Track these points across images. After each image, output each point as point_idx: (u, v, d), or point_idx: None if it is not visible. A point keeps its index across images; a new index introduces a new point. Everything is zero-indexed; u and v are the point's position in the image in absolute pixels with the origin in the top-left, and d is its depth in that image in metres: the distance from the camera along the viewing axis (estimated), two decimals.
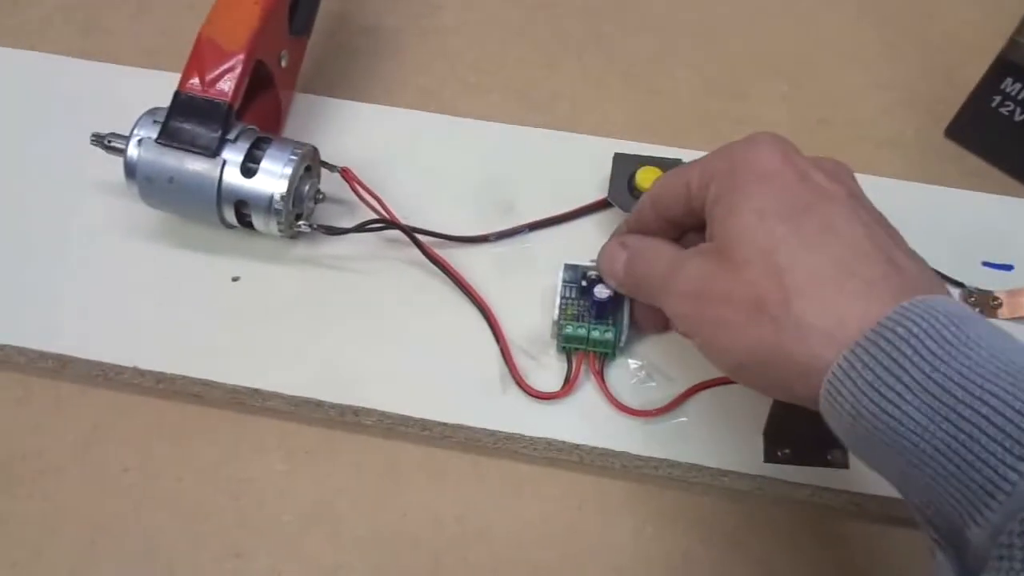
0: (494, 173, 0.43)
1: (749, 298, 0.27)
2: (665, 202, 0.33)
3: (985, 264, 0.40)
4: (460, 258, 0.40)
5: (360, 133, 0.45)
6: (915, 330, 0.24)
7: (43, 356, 0.37)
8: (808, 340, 0.26)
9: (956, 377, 0.23)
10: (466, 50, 0.50)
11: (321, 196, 0.39)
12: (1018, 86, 0.42)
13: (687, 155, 0.42)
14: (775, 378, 0.27)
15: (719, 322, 0.28)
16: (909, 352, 0.23)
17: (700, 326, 0.29)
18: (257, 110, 0.42)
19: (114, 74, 0.47)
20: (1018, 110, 0.43)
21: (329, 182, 0.41)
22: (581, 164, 0.43)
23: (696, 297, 0.29)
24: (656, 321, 0.37)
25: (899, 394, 0.23)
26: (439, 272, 0.39)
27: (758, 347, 0.27)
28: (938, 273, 0.39)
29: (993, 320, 0.38)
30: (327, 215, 0.41)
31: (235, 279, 0.39)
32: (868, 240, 0.27)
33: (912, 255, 0.28)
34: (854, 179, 0.30)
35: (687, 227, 0.34)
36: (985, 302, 0.39)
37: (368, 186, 0.40)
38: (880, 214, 0.29)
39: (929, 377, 0.23)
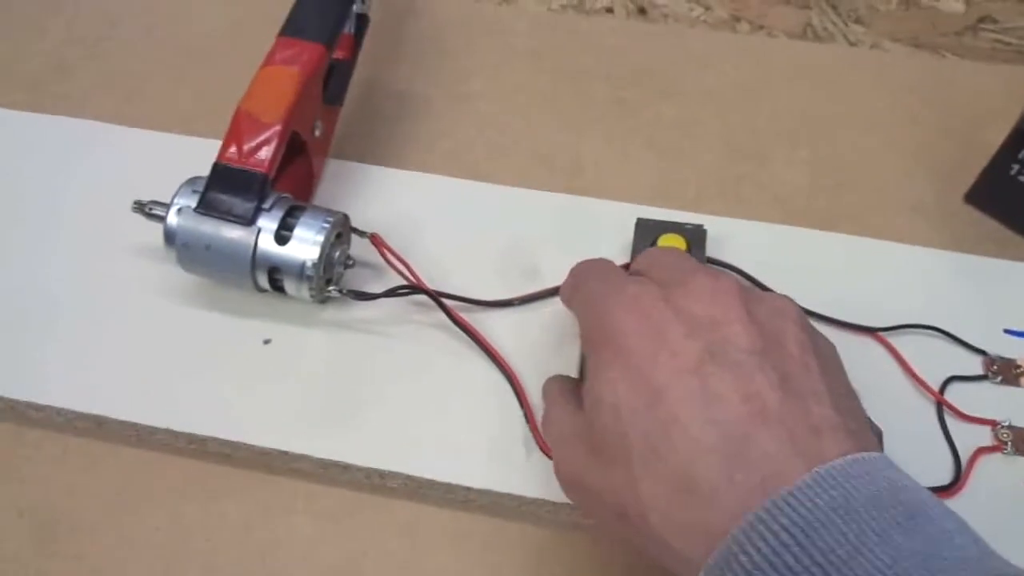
0: (519, 238, 0.44)
1: (614, 505, 0.27)
2: None
3: (1007, 332, 0.40)
4: (485, 322, 0.41)
5: (389, 198, 0.46)
6: (758, 559, 0.22)
7: (81, 416, 0.38)
8: (669, 555, 0.25)
9: None
10: (493, 116, 0.52)
11: (352, 262, 0.40)
12: None
13: (709, 220, 0.43)
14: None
15: (598, 516, 0.29)
16: None
17: (585, 514, 0.32)
18: (290, 177, 0.43)
19: (152, 140, 0.49)
20: None
21: (358, 247, 0.42)
22: (605, 229, 0.44)
23: (574, 489, 0.30)
24: None
25: None
26: (465, 336, 0.39)
27: (635, 544, 0.27)
28: (961, 341, 0.39)
29: (1016, 388, 0.38)
30: (357, 280, 0.42)
31: (266, 342, 0.40)
32: (713, 430, 0.24)
33: (784, 412, 0.25)
34: (738, 303, 0.28)
35: None
36: (1008, 370, 0.39)
37: (396, 251, 0.41)
38: (782, 359, 0.26)
39: None
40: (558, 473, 0.30)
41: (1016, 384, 0.38)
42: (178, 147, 0.48)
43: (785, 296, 0.30)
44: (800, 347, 0.27)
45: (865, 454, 0.24)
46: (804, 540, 0.21)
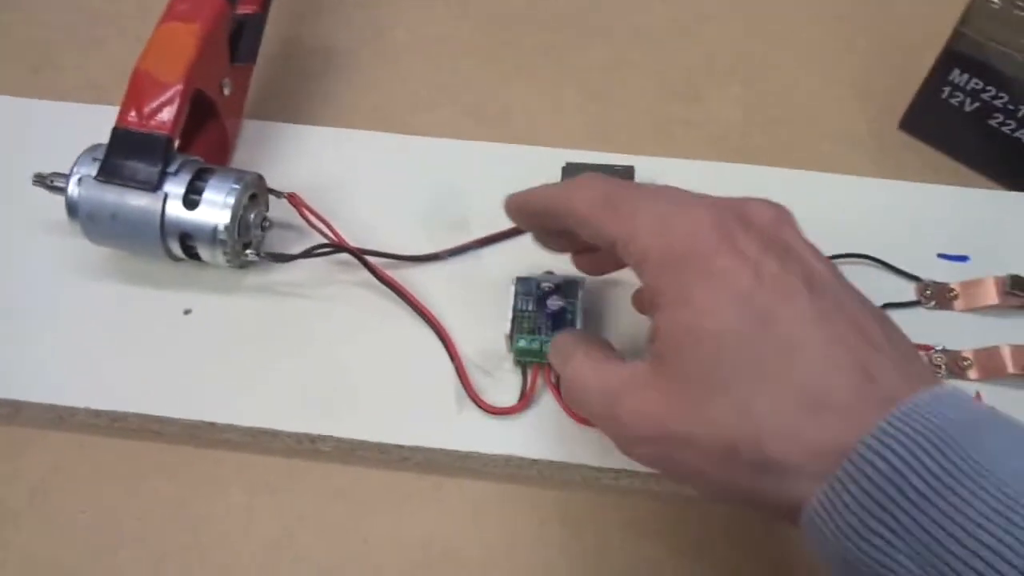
0: (446, 190, 0.43)
1: (717, 444, 0.24)
2: (555, 223, 0.31)
3: (941, 256, 0.40)
4: (413, 277, 0.39)
5: (312, 157, 0.44)
6: (897, 463, 0.21)
7: None
8: (787, 481, 0.23)
9: (945, 523, 0.20)
10: (418, 68, 0.50)
11: (268, 224, 0.39)
12: (966, 77, 0.42)
13: (641, 162, 0.42)
14: (759, 510, 0.25)
15: (685, 469, 0.25)
16: (892, 491, 0.21)
17: (663, 469, 0.26)
18: (203, 141, 0.41)
19: (60, 111, 0.47)
20: (968, 100, 0.43)
21: (280, 210, 0.40)
22: (534, 176, 0.42)
23: (651, 442, 0.26)
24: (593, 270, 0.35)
25: (887, 541, 0.21)
26: (392, 293, 0.38)
27: (735, 490, 0.25)
28: (894, 268, 0.39)
29: (949, 312, 0.38)
30: (279, 242, 0.41)
31: (187, 312, 0.39)
32: (837, 348, 0.24)
33: (891, 344, 0.24)
34: (798, 231, 0.27)
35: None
36: (941, 294, 0.38)
37: (317, 210, 0.39)
38: (843, 289, 0.26)
39: (916, 522, 0.21)
40: (623, 432, 0.27)
41: (949, 308, 0.38)
42: (89, 117, 0.45)
43: None
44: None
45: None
46: (941, 444, 0.21)
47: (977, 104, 0.43)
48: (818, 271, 0.26)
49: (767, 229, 0.26)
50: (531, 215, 0.33)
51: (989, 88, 0.41)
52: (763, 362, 0.24)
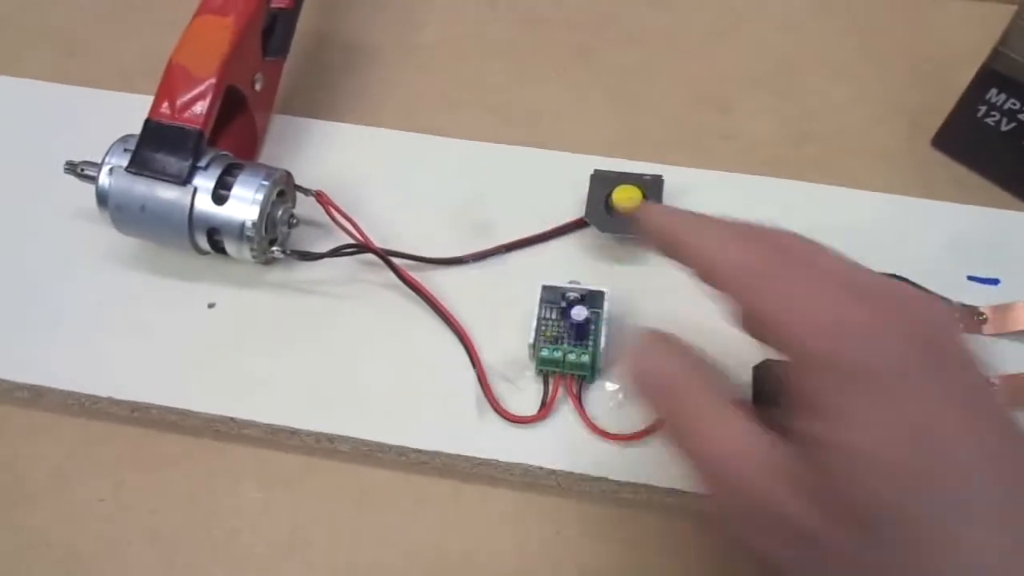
0: (473, 192, 0.43)
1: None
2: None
3: (971, 278, 0.39)
4: (437, 280, 0.39)
5: (339, 154, 0.44)
6: None
7: (17, 387, 0.37)
8: None
9: None
10: (447, 67, 0.50)
11: (295, 221, 0.39)
12: (1003, 96, 0.41)
13: (669, 171, 0.42)
14: None
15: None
16: None
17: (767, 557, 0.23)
18: (232, 134, 0.41)
19: (92, 98, 0.47)
20: (1004, 120, 0.42)
21: (306, 206, 0.40)
22: (561, 182, 0.42)
23: (783, 544, 0.23)
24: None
25: None
26: (415, 296, 0.38)
27: None
28: (923, 289, 0.38)
29: (978, 336, 0.38)
30: (304, 239, 0.41)
31: (211, 306, 0.39)
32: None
33: None
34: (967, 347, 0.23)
35: None
36: (970, 317, 0.38)
37: (343, 209, 0.39)
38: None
39: None
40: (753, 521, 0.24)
41: (978, 332, 0.38)
42: (119, 105, 0.46)
43: None
44: None
45: None
46: None
47: (1013, 124, 0.42)
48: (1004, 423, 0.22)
49: (952, 356, 0.23)
50: (666, 245, 0.28)
51: None
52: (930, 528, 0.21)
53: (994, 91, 0.42)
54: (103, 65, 0.50)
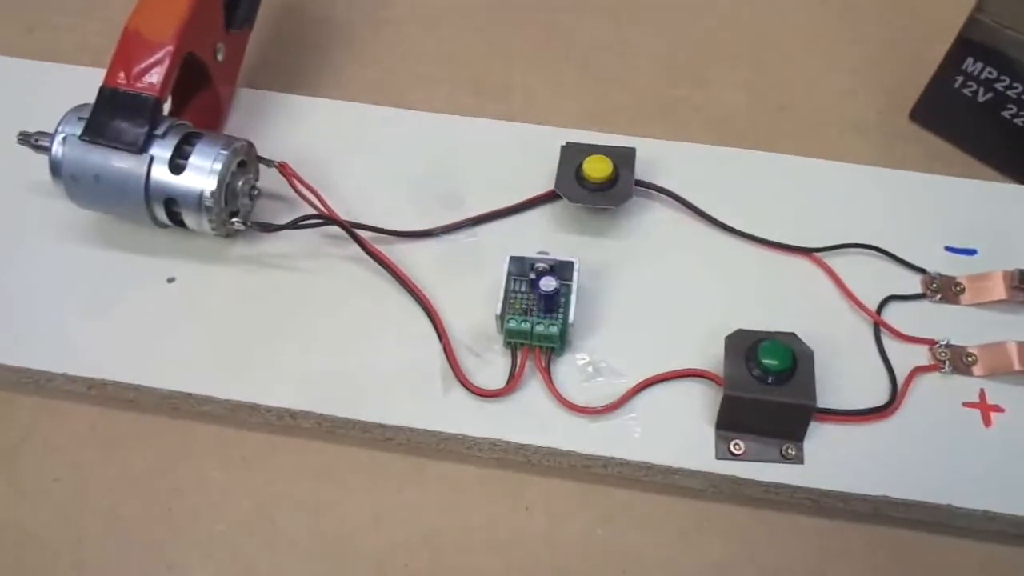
0: (442, 166, 0.42)
1: None
2: None
3: (948, 249, 0.39)
4: (405, 253, 0.38)
5: (307, 128, 0.43)
6: None
7: None
8: None
9: None
10: (418, 41, 0.49)
11: (257, 192, 0.38)
12: (979, 66, 0.41)
13: (643, 144, 0.41)
14: None
15: None
16: None
17: None
18: (195, 107, 0.40)
19: (54, 73, 0.45)
20: (981, 90, 0.42)
21: (272, 180, 0.39)
22: (533, 155, 0.42)
23: None
24: None
25: None
26: (382, 269, 0.37)
27: None
28: (900, 260, 0.38)
29: (955, 306, 0.37)
30: (268, 213, 0.40)
31: (170, 280, 0.38)
32: None
33: None
34: None
35: None
36: (947, 288, 0.37)
37: (307, 181, 0.38)
38: None
39: None
40: None
41: (955, 302, 0.37)
42: (83, 80, 0.44)
43: None
44: None
45: None
46: None
47: (990, 94, 0.41)
48: None
49: None
50: None
51: (1003, 78, 0.40)
52: None
53: (970, 60, 0.41)
54: (66, 40, 0.49)
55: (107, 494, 0.35)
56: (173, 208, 0.36)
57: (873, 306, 0.37)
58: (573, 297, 0.35)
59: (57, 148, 0.35)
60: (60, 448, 0.36)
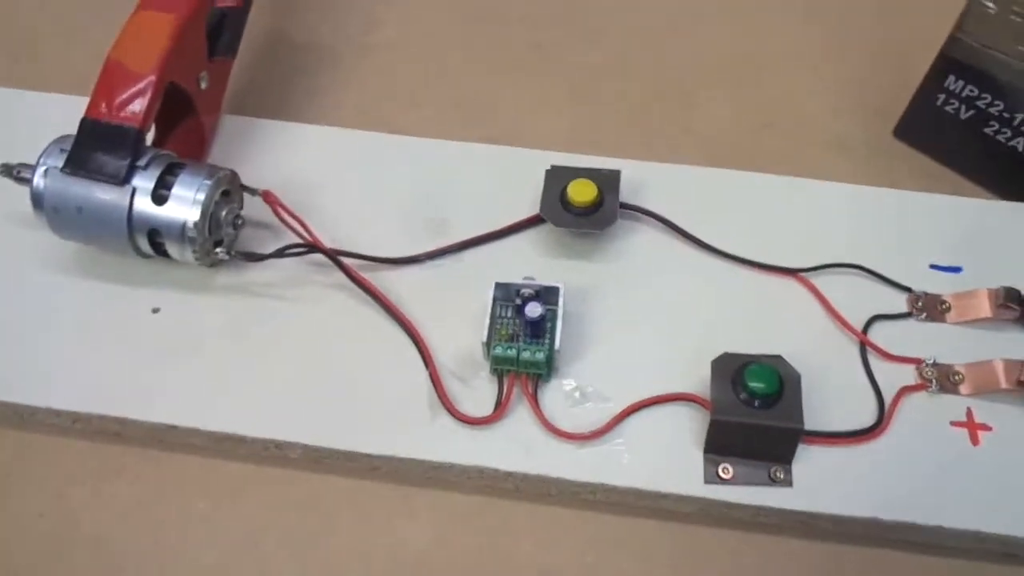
0: (428, 190, 0.42)
1: None
2: None
3: (933, 267, 0.39)
4: (390, 280, 0.38)
5: (292, 154, 0.43)
6: None
7: None
8: None
9: None
10: (404, 66, 0.49)
11: (241, 222, 0.38)
12: (961, 83, 0.41)
13: (628, 166, 0.41)
14: None
15: None
16: None
17: None
18: (179, 136, 0.40)
19: (38, 103, 0.45)
20: (963, 108, 0.42)
21: (257, 208, 0.39)
22: (518, 179, 0.42)
23: None
24: None
25: None
26: (367, 297, 0.37)
27: None
28: (885, 278, 0.38)
29: (941, 324, 0.37)
30: (253, 242, 0.40)
31: (155, 311, 0.38)
32: None
33: None
34: None
35: None
36: (933, 306, 0.37)
37: (291, 209, 0.38)
38: None
39: None
40: None
41: (941, 320, 0.37)
42: (69, 109, 0.44)
43: None
44: None
45: None
46: None
47: (972, 112, 0.42)
48: None
49: None
50: None
51: (984, 95, 0.40)
52: None
53: (952, 78, 0.41)
54: (52, 69, 0.49)
55: (93, 528, 0.34)
56: (156, 239, 0.36)
57: (859, 326, 0.37)
58: (559, 323, 0.35)
59: (39, 180, 0.35)
60: (44, 484, 0.35)
